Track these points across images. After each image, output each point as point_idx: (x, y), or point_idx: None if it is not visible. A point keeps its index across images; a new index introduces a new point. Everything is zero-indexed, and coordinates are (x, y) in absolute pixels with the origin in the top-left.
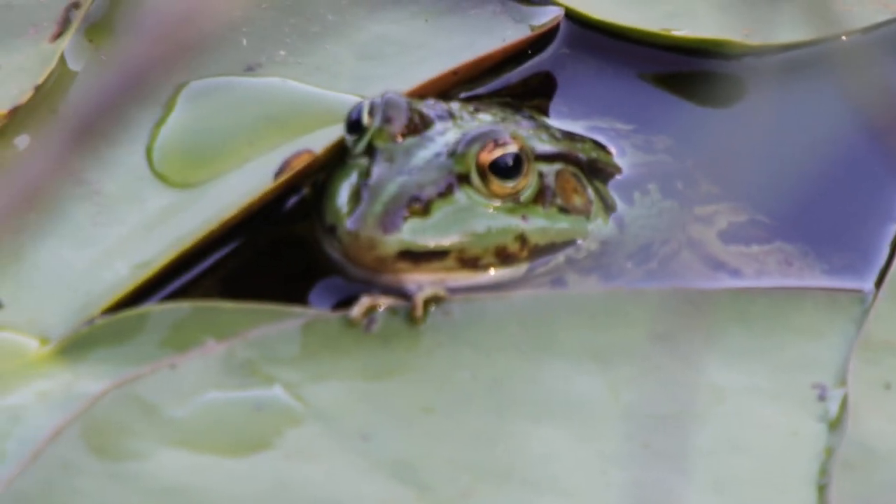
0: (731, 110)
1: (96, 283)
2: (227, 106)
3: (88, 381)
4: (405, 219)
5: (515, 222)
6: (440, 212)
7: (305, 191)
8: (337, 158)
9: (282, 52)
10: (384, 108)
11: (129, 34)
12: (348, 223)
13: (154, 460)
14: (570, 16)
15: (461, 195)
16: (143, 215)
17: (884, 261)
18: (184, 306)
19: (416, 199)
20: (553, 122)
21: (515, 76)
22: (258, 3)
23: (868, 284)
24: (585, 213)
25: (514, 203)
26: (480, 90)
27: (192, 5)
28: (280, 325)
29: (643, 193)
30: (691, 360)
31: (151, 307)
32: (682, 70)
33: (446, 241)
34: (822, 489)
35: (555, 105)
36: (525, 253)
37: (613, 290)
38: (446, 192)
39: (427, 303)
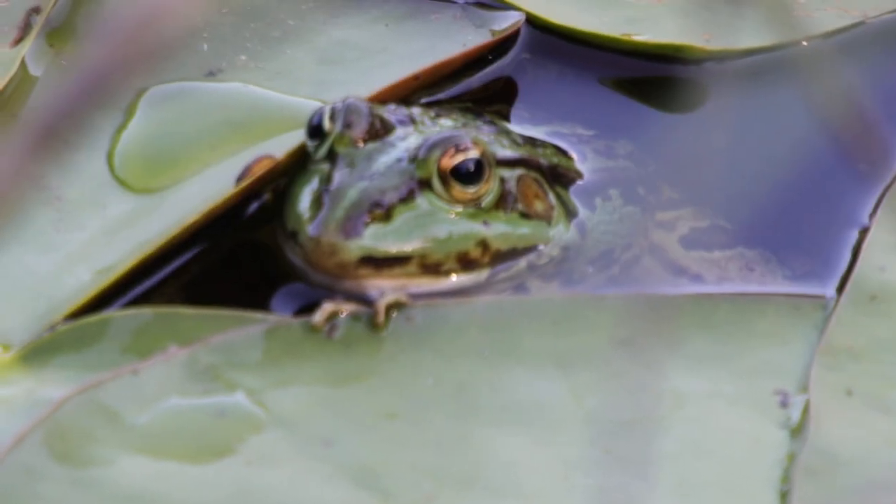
0: (692, 115)
1: (58, 288)
2: (189, 111)
3: (51, 387)
4: (367, 224)
5: (477, 228)
6: (402, 217)
7: (267, 196)
8: (298, 164)
9: (243, 57)
10: (345, 113)
11: (90, 39)
12: (310, 229)
13: (117, 466)
14: (531, 21)
15: (423, 201)
16: (105, 221)
17: (845, 266)
18: (146, 312)
19: (377, 204)
20: (514, 127)
21: (476, 81)
22: (219, 8)
23: (830, 290)
24: (547, 219)
25: (476, 208)
26: (441, 95)
27: (152, 10)
28: (242, 330)
29: (605, 199)
30: (653, 365)
31: (114, 313)
32: (644, 75)
33: (408, 247)
34: (784, 495)
35: (516, 110)
36: (487, 258)
37: (575, 296)
38: (408, 198)
39: (389, 308)
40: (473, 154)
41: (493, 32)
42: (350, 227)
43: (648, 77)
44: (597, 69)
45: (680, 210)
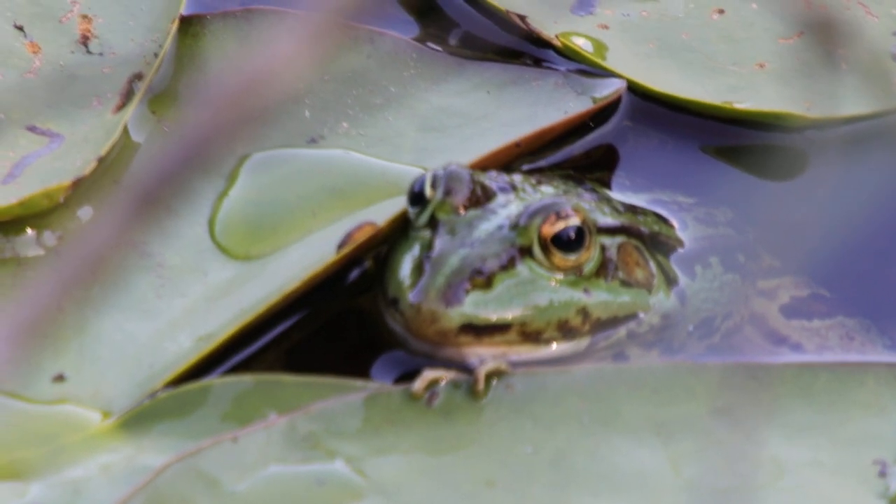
0: (792, 183)
1: (159, 355)
2: (290, 177)
3: (151, 454)
4: (467, 292)
5: (578, 296)
6: (502, 285)
7: (368, 263)
8: (399, 231)
9: (344, 124)
10: (446, 181)
11: (192, 105)
12: (410, 296)
13: None
14: (633, 88)
15: (523, 268)
16: (206, 287)
17: None
18: (246, 379)
19: (478, 271)
20: (615, 194)
21: (577, 148)
22: (321, 74)
23: None
24: (647, 287)
25: (577, 276)
26: (542, 162)
27: (254, 76)
28: (342, 398)
29: (705, 267)
30: (753, 434)
31: (214, 380)
32: (744, 143)
33: (508, 315)
34: None
35: (617, 177)
36: (587, 327)
37: (675, 364)
38: (508, 265)
39: (489, 376)
40: (574, 221)
41: (595, 100)
42: (451, 294)
43: (749, 145)
44: (698, 137)
45: (780, 278)
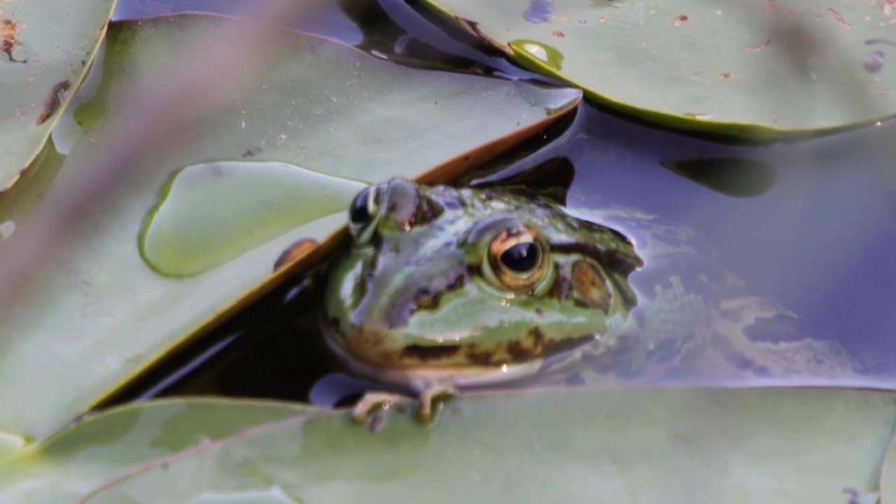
0: (759, 199)
1: (85, 377)
2: (225, 192)
3: (76, 480)
4: (412, 312)
5: (529, 316)
6: (450, 305)
7: (307, 282)
8: (340, 248)
9: (283, 136)
10: (391, 195)
11: (122, 116)
12: (352, 316)
13: None
14: (589, 99)
15: (472, 287)
16: (135, 307)
17: None
18: (177, 403)
19: (424, 291)
20: (570, 210)
21: (530, 162)
22: (258, 84)
23: None
24: (604, 307)
25: (529, 296)
26: (493, 176)
27: (188, 86)
28: (280, 423)
29: (665, 286)
30: (715, 461)
31: (143, 403)
32: (708, 156)
33: (456, 336)
34: None
35: (572, 193)
36: (539, 349)
37: (632, 388)
38: (456, 284)
39: (435, 400)
40: (526, 238)
41: (549, 111)
42: (395, 314)
43: (713, 159)
44: (658, 150)
45: (745, 298)
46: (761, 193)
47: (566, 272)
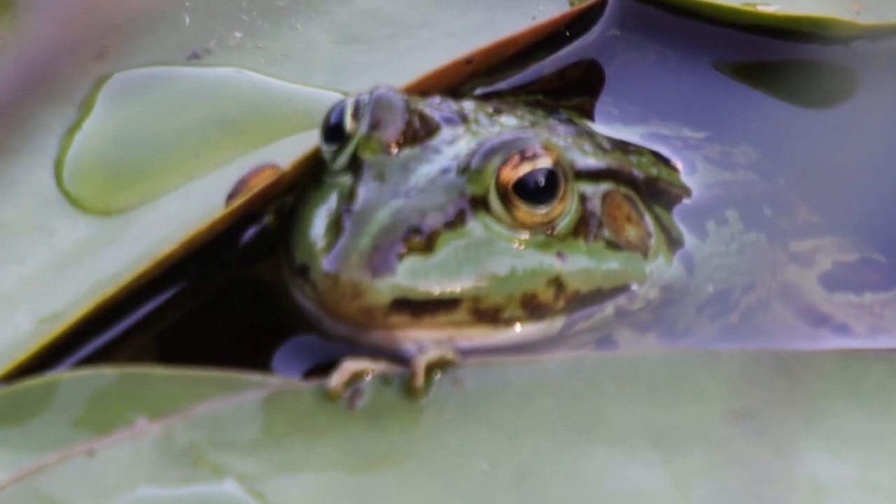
0: (836, 111)
1: None
2: (165, 106)
3: None
4: (401, 256)
5: (549, 261)
6: (448, 247)
7: (268, 219)
8: (310, 176)
9: (237, 34)
10: (374, 109)
11: (34, 14)
12: (325, 262)
13: None
14: None
15: (476, 225)
16: (52, 251)
17: None
18: (106, 373)
19: (415, 230)
20: (599, 127)
21: (549, 66)
22: None
23: None
24: (642, 250)
25: (547, 236)
26: (502, 85)
27: None
28: (234, 398)
29: (720, 223)
30: (784, 445)
31: (63, 374)
32: (772, 58)
33: (457, 287)
34: None
35: (602, 104)
36: (561, 302)
37: (679, 353)
38: (456, 222)
39: (430, 369)
40: (544, 162)
41: (572, 1)
42: (379, 260)
43: (778, 61)
44: (710, 50)
45: (820, 238)
46: (839, 104)
47: (595, 205)
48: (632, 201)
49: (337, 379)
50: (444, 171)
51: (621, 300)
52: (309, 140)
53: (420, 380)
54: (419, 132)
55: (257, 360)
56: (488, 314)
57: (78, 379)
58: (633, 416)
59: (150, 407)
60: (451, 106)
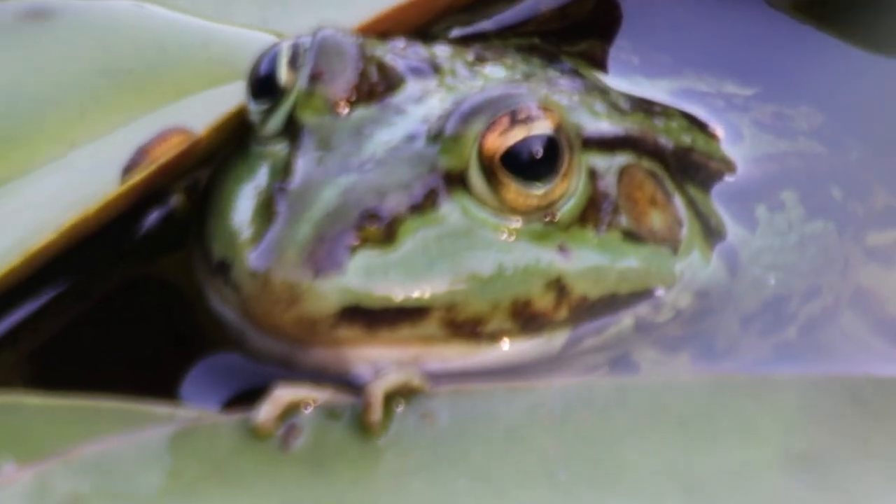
0: None
1: None
2: (39, 51)
3: None
4: (353, 250)
5: (547, 258)
6: (414, 238)
7: (176, 200)
8: (232, 144)
9: None
10: (317, 56)
11: None
12: (252, 258)
13: None
14: None
15: (452, 209)
16: None
17: None
18: None
19: (371, 215)
20: (615, 81)
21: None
22: None
23: None
24: (670, 243)
25: (546, 224)
26: (486, 24)
27: None
28: (132, 436)
29: (773, 208)
30: (856, 499)
31: None
32: None
33: (425, 291)
34: None
35: (617, 50)
36: (564, 312)
37: (720, 379)
38: (425, 204)
39: (391, 398)
40: (542, 127)
41: None
42: (323, 254)
43: None
44: None
45: None
46: None
47: (609, 184)
48: (657, 179)
49: (267, 411)
50: (410, 137)
51: (643, 309)
52: (230, 96)
53: (377, 413)
54: (377, 86)
55: (163, 385)
56: (467, 327)
57: None
58: (660, 461)
59: (19, 447)
60: (420, 52)
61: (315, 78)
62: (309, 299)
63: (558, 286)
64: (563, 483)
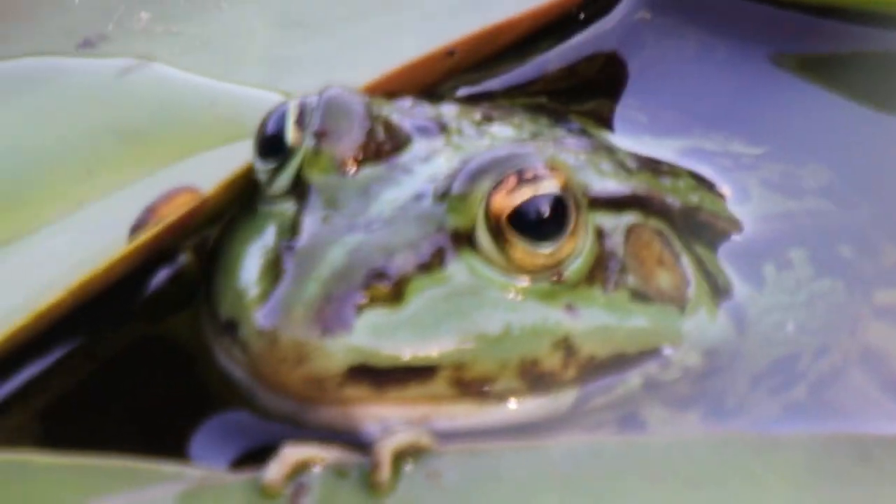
0: None
1: None
2: (48, 108)
3: None
4: (360, 309)
5: (555, 317)
6: (421, 297)
7: (185, 259)
8: (240, 203)
9: (144, 15)
10: (325, 115)
11: None
12: (260, 317)
13: None
14: None
15: (459, 268)
16: None
17: None
18: None
19: (379, 274)
20: (622, 140)
21: (557, 59)
22: None
23: None
24: (678, 302)
25: (553, 283)
26: (494, 83)
27: None
28: (140, 494)
29: (781, 267)
30: None
31: None
32: (850, 49)
33: (433, 350)
34: None
35: (625, 110)
36: (572, 371)
37: (728, 438)
38: (433, 263)
39: (399, 457)
40: (550, 187)
41: None
42: (331, 313)
43: (859, 53)
44: (768, 38)
45: None
46: None
47: (616, 243)
48: (664, 238)
49: (276, 470)
50: (417, 196)
51: (651, 368)
52: (238, 155)
53: (385, 472)
54: (384, 145)
55: (171, 444)
56: (475, 386)
57: None
58: None
59: None
60: (427, 111)
61: (322, 137)
62: (317, 358)
63: (566, 345)
64: None
